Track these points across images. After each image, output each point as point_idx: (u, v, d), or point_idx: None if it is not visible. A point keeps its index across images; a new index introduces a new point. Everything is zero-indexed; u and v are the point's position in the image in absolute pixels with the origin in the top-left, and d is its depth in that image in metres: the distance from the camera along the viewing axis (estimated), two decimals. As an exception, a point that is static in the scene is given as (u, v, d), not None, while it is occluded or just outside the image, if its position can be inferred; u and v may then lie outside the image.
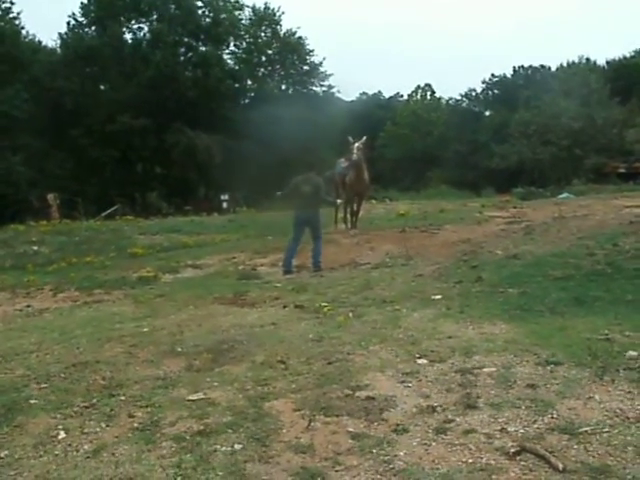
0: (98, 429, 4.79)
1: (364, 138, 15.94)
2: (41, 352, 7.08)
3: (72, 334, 7.93)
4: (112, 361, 6.51)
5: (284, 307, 8.79)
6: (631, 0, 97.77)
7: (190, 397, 5.30)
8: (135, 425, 4.80)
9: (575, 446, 4.03)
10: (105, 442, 4.55)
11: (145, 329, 7.94)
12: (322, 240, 12.66)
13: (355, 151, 15.35)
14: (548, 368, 5.39)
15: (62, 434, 4.73)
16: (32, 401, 5.41)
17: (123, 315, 9.12)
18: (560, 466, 3.75)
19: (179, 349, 6.81)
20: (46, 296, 11.52)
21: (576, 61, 55.72)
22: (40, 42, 49.95)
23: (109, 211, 34.31)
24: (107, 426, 4.83)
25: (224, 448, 4.33)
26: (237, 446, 4.35)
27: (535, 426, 4.35)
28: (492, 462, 3.91)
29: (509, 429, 4.33)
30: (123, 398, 5.38)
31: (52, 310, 10.18)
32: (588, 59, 57.49)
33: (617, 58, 63.75)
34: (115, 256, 16.44)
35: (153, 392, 5.50)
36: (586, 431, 4.20)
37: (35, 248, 18.28)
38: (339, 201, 14.78)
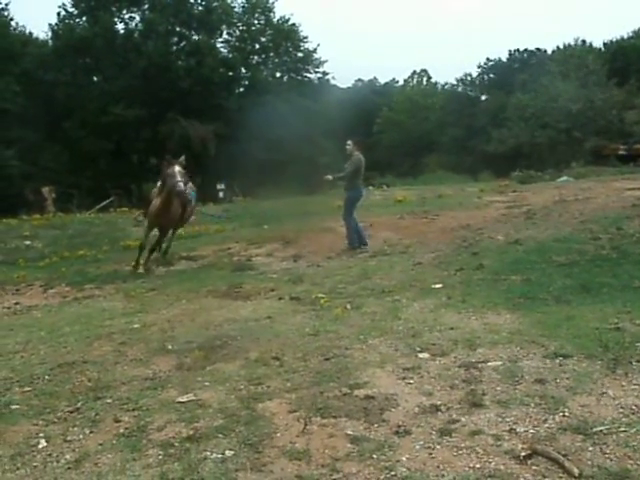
0: (81, 436, 4.52)
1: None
2: (26, 352, 6.83)
3: (60, 332, 7.68)
4: (100, 361, 6.26)
5: (279, 299, 8.54)
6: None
7: (180, 399, 5.04)
8: (121, 431, 4.53)
9: (590, 448, 3.74)
10: (88, 450, 4.26)
11: (135, 325, 7.70)
12: (349, 224, 12.25)
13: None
14: (557, 361, 5.11)
15: (43, 442, 4.45)
16: (13, 406, 5.15)
17: (113, 311, 8.86)
18: (575, 471, 3.46)
19: (170, 346, 6.55)
20: (36, 292, 11.23)
21: (572, 44, 55.26)
22: (30, 34, 49.17)
23: (104, 203, 33.86)
24: (91, 432, 4.55)
25: (214, 455, 4.05)
26: (228, 453, 4.08)
27: (546, 426, 4.06)
28: (501, 467, 3.63)
29: (518, 429, 4.05)
30: (109, 401, 5.11)
31: (41, 307, 9.89)
32: (584, 41, 56.94)
33: (614, 40, 63.31)
34: (108, 249, 16.16)
35: (141, 394, 5.23)
36: (601, 431, 3.92)
37: (27, 243, 17.96)
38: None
